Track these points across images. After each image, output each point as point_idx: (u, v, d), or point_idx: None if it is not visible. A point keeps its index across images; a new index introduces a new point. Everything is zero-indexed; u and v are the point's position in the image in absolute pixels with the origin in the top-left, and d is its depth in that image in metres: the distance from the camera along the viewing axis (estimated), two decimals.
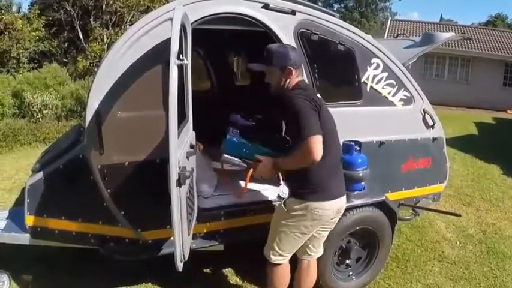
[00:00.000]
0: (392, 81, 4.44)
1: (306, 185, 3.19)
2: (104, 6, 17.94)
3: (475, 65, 25.18)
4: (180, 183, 2.74)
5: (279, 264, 3.44)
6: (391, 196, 4.54)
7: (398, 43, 5.59)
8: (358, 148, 4.05)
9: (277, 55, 3.20)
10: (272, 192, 4.19)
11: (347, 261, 4.30)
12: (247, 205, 4.02)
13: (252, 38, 4.23)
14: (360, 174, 4.01)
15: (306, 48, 3.98)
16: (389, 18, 31.61)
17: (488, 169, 9.79)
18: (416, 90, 4.62)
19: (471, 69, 25.35)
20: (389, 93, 4.44)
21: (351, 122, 4.17)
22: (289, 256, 3.48)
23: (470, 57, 25.06)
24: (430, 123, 4.70)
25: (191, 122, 3.59)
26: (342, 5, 60.87)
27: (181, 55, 2.80)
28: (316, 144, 2.88)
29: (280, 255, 3.41)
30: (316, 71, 4.04)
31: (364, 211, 4.09)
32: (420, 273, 4.91)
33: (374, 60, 4.31)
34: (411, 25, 28.04)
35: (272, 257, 3.41)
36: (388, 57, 4.40)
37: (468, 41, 25.13)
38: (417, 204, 4.87)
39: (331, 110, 4.01)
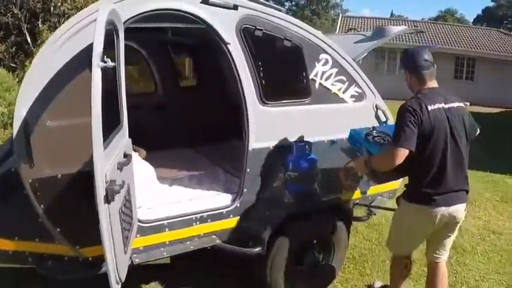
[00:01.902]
0: (342, 77, 4.25)
1: None
2: (52, 8, 17.32)
3: None
4: (108, 200, 2.46)
5: None
6: (346, 196, 4.36)
7: (349, 38, 5.42)
8: (307, 148, 3.86)
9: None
10: (220, 199, 3.94)
11: (302, 267, 4.11)
12: (194, 214, 3.75)
13: (198, 36, 3.98)
14: (310, 176, 3.84)
15: (249, 45, 3.74)
16: (340, 15, 31.81)
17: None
18: (368, 86, 4.44)
19: None
20: (339, 90, 4.25)
21: (299, 121, 4.02)
22: None
23: None
24: (383, 119, 4.53)
25: (126, 128, 3.30)
26: (293, 3, 61.27)
27: (105, 57, 2.51)
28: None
29: None
30: (261, 69, 3.81)
31: (316, 214, 3.93)
32: (379, 274, 4.78)
33: (323, 56, 4.11)
34: (362, 21, 28.31)
35: None
36: (338, 53, 4.21)
37: (419, 36, 25.51)
38: (373, 202, 4.70)
39: (278, 109, 3.87)
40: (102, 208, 2.46)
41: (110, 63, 2.53)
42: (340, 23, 27.89)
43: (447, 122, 3.30)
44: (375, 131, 3.91)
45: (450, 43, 26.15)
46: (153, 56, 5.99)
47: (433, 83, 3.46)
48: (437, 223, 3.40)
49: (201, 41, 5.51)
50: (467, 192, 3.49)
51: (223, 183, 4.32)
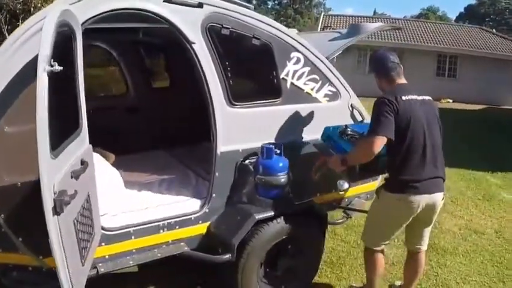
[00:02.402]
0: (315, 76, 4.13)
1: None
2: (32, 9, 17.11)
3: (408, 57, 25.55)
4: (57, 211, 2.30)
5: None
6: (320, 199, 4.25)
7: (323, 36, 5.31)
8: (278, 151, 3.73)
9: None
10: (188, 205, 3.79)
11: (276, 273, 3.98)
12: (161, 221, 3.60)
13: (170, 36, 3.82)
14: (282, 180, 3.69)
15: (216, 45, 3.60)
16: (322, 14, 31.79)
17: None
18: (343, 85, 4.33)
19: (405, 61, 25.51)
20: (312, 89, 4.13)
21: (270, 122, 3.91)
22: None
23: (403, 49, 25.52)
24: (359, 118, 4.42)
25: (86, 134, 3.12)
26: (277, 2, 61.40)
27: (52, 60, 2.35)
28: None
29: None
30: (229, 69, 3.67)
31: (288, 219, 3.78)
32: (357, 277, 4.67)
33: (294, 54, 3.98)
34: (344, 19, 28.30)
35: None
36: (310, 51, 4.08)
37: (401, 33, 25.64)
38: (350, 204, 4.59)
39: (247, 111, 3.75)
40: (51, 220, 2.30)
41: (57, 67, 2.36)
42: (322, 21, 27.84)
43: (422, 111, 3.44)
44: (349, 129, 3.91)
45: (432, 41, 26.25)
46: (124, 57, 5.80)
47: (402, 80, 3.65)
48: (418, 211, 3.48)
49: (173, 40, 5.35)
50: (443, 180, 3.59)
51: (193, 188, 4.18)
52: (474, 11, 68.07)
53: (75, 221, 2.65)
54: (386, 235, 3.73)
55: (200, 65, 3.53)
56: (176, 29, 3.45)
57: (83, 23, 3.12)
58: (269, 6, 61.85)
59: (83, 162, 2.82)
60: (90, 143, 4.37)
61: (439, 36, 26.96)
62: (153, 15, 3.37)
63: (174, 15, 3.42)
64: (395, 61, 3.64)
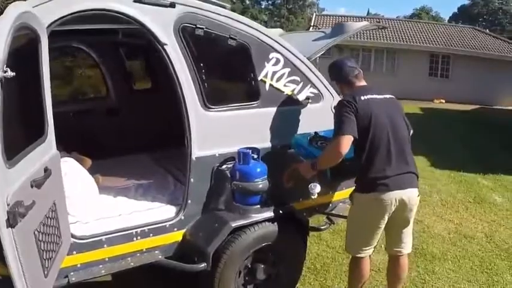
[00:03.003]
0: (296, 77, 4.00)
1: None
2: None
3: (400, 57, 25.67)
4: (10, 224, 2.16)
5: None
6: (302, 204, 4.12)
7: (307, 36, 5.18)
8: (255, 156, 3.61)
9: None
10: (163, 211, 3.66)
11: (255, 281, 3.85)
12: (134, 228, 3.47)
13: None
14: (260, 186, 3.57)
15: (189, 46, 3.47)
16: (315, 14, 31.72)
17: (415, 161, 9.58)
18: (325, 86, 4.21)
19: (397, 61, 25.87)
20: (293, 91, 4.01)
21: (247, 126, 3.79)
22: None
23: (395, 49, 25.51)
24: None
25: (52, 140, 2.97)
26: (270, 2, 61.46)
27: (4, 66, 2.21)
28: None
29: None
30: (204, 71, 3.54)
31: (267, 226, 3.65)
32: (341, 285, 4.54)
33: (273, 55, 3.85)
34: (337, 19, 28.17)
35: None
36: (290, 51, 3.96)
37: (394, 33, 25.56)
38: (334, 210, 4.47)
39: (223, 114, 3.66)
40: (5, 233, 2.17)
41: (10, 73, 2.22)
42: (314, 21, 27.76)
43: (383, 108, 3.46)
44: (318, 136, 3.88)
45: (425, 41, 26.17)
46: (104, 58, 5.68)
47: (361, 83, 3.69)
48: (393, 209, 3.41)
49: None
50: (417, 177, 3.57)
51: (170, 194, 4.05)
52: (467, 11, 68.18)
53: (36, 232, 2.51)
54: (367, 240, 3.62)
55: (173, 67, 3.40)
56: (147, 30, 3.32)
57: (49, 25, 2.99)
58: (262, 6, 61.80)
59: (46, 170, 2.68)
60: (67, 147, 4.29)
61: (432, 36, 26.88)
62: (122, 16, 3.24)
63: (145, 15, 3.29)
64: (352, 65, 3.71)
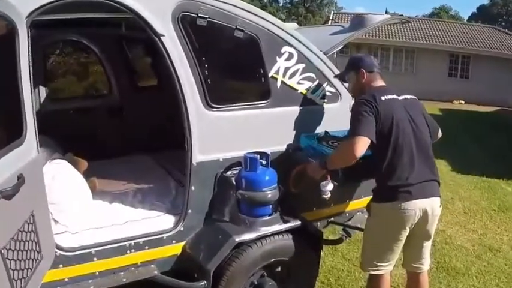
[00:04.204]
0: (311, 74, 3.63)
1: None
2: None
3: (420, 56, 25.18)
4: None
5: None
6: (315, 215, 3.77)
7: (324, 30, 4.79)
8: (264, 161, 3.25)
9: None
10: (161, 221, 3.31)
11: None
12: (127, 240, 3.14)
13: None
14: (269, 196, 3.21)
15: (190, 37, 3.11)
16: (332, 11, 31.31)
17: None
18: (343, 85, 3.82)
19: (416, 61, 25.40)
20: (307, 90, 3.64)
21: (256, 128, 3.42)
22: None
23: (415, 48, 25.04)
24: None
25: (32, 144, 2.61)
26: (288, 0, 61.27)
27: None
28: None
29: None
30: (206, 65, 3.19)
31: (276, 240, 3.29)
32: None
33: (285, 49, 3.48)
34: None
35: None
36: (305, 45, 3.59)
37: (413, 32, 25.08)
38: (351, 220, 4.09)
39: (229, 114, 3.32)
40: None
41: None
42: (332, 19, 27.31)
43: (405, 110, 3.15)
44: (328, 135, 3.61)
45: (444, 40, 25.65)
46: (107, 53, 5.34)
47: (381, 83, 3.36)
48: (416, 220, 3.09)
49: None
50: (439, 184, 3.24)
51: (171, 201, 3.69)
52: (487, 11, 67.25)
53: (5, 250, 2.15)
54: (386, 255, 3.23)
55: (171, 61, 3.05)
56: (141, 19, 2.99)
57: (29, 15, 2.65)
58: (280, 4, 61.56)
59: (19, 178, 2.32)
60: (64, 147, 3.97)
61: (452, 35, 26.36)
62: (113, 4, 2.88)
63: (139, 2, 2.94)
64: (374, 62, 3.44)
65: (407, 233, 3.14)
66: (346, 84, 3.73)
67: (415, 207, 3.03)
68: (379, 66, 3.46)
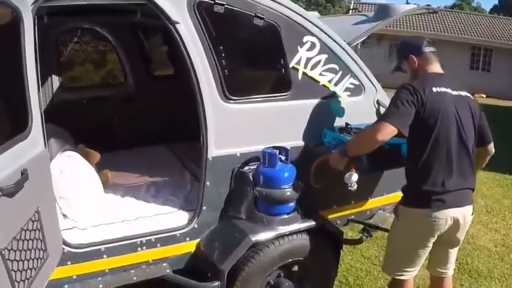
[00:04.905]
0: (334, 65, 3.45)
1: None
2: None
3: (441, 48, 24.63)
4: None
5: None
6: (336, 212, 3.63)
7: (347, 19, 4.60)
8: (284, 157, 3.08)
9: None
10: (174, 218, 3.17)
11: None
12: (139, 237, 3.01)
13: None
14: (287, 193, 3.05)
15: (206, 25, 2.95)
16: (353, 1, 30.89)
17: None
18: (368, 77, 3.65)
19: (438, 53, 24.88)
20: (330, 82, 3.46)
21: (275, 121, 3.26)
22: None
23: (436, 40, 24.61)
24: None
25: (38, 136, 2.47)
26: None
27: None
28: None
29: None
30: (224, 55, 3.03)
31: (294, 240, 3.14)
32: None
33: (307, 38, 3.30)
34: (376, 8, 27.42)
35: None
36: (328, 35, 3.40)
37: (435, 23, 24.68)
38: (372, 218, 3.92)
39: (247, 107, 3.16)
40: None
41: None
42: (353, 9, 26.97)
43: (454, 108, 2.83)
44: (349, 128, 3.42)
45: (466, 32, 25.24)
46: (121, 41, 5.19)
47: (438, 68, 3.02)
48: (446, 229, 2.88)
49: None
50: (473, 191, 3.00)
51: (186, 196, 3.55)
52: (509, 4, 66.00)
53: (6, 250, 2.02)
54: (412, 260, 3.04)
55: (186, 49, 2.90)
56: (155, 6, 2.84)
57: (35, 1, 2.51)
58: None
59: (23, 174, 2.18)
60: (76, 137, 3.85)
61: (474, 27, 25.96)
62: None
63: None
64: (423, 42, 3.09)
65: (435, 239, 2.96)
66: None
67: (447, 216, 2.82)
68: (429, 43, 3.11)
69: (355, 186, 3.03)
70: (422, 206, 2.83)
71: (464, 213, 2.89)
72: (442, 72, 3.03)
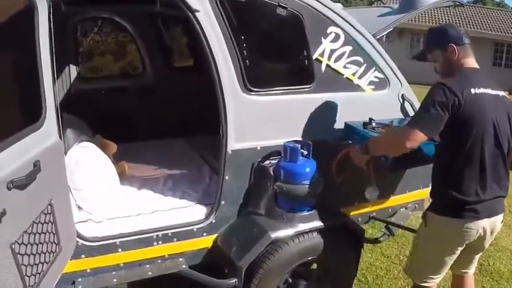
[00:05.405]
0: (358, 58, 3.33)
1: None
2: None
3: None
4: None
5: None
6: (357, 209, 3.53)
7: (371, 11, 4.47)
8: (306, 152, 2.98)
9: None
10: (192, 212, 3.10)
11: None
12: (155, 231, 2.94)
13: None
14: (309, 189, 2.95)
15: (227, 14, 2.85)
16: None
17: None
18: (393, 71, 3.53)
19: None
20: (354, 74, 3.34)
21: (298, 114, 3.16)
22: None
23: None
24: (411, 112, 3.59)
25: (52, 127, 2.39)
26: None
27: None
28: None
29: None
30: (245, 45, 2.93)
31: (314, 237, 3.05)
32: None
33: (332, 29, 3.18)
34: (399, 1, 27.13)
35: None
36: (353, 27, 3.29)
37: (457, 18, 24.33)
38: (394, 216, 3.81)
39: (268, 99, 3.06)
40: None
41: None
42: (377, 0, 26.75)
43: (493, 110, 2.60)
44: (373, 122, 3.24)
45: (489, 28, 24.82)
46: (140, 31, 5.12)
47: (474, 62, 2.74)
48: (475, 238, 2.71)
49: None
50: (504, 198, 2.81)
51: (204, 189, 3.47)
52: None
53: (16, 244, 1.95)
54: (439, 268, 2.91)
55: (206, 39, 2.80)
56: None
57: None
58: None
59: (35, 165, 2.11)
60: (93, 128, 3.80)
61: (497, 23, 25.51)
62: None
63: None
64: (462, 31, 2.80)
65: (463, 248, 2.82)
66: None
67: (479, 226, 2.67)
68: (467, 34, 2.81)
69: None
70: (454, 215, 2.66)
71: (495, 222, 2.75)
72: (478, 67, 2.78)
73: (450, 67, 2.73)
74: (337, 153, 3.14)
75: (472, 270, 3.08)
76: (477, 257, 3.02)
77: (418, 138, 2.52)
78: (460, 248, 2.78)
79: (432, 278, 2.92)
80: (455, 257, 2.84)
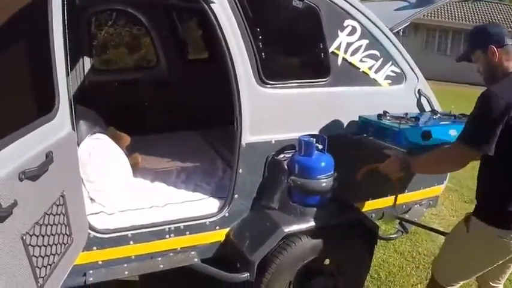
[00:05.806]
0: (375, 52, 3.29)
1: None
2: None
3: None
4: None
5: None
6: (371, 205, 3.51)
7: (387, 4, 4.41)
8: (321, 146, 2.94)
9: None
10: (204, 205, 3.08)
11: None
12: (167, 224, 2.92)
13: None
14: (323, 184, 2.90)
15: (243, 6, 2.83)
16: None
17: None
18: (410, 65, 3.48)
19: None
20: (370, 68, 3.30)
21: (313, 108, 3.12)
22: None
23: None
24: (427, 108, 3.56)
25: (65, 118, 2.36)
26: None
27: None
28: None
29: None
30: (261, 37, 2.89)
31: (328, 233, 3.00)
32: None
33: (348, 22, 3.15)
34: None
35: None
36: (370, 20, 3.25)
37: (474, 14, 24.05)
38: (408, 213, 3.76)
39: (284, 92, 3.02)
40: None
41: None
42: None
43: None
44: (388, 115, 3.19)
45: (506, 24, 24.39)
46: (155, 23, 5.10)
47: None
48: None
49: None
50: None
51: (217, 183, 3.46)
52: None
53: (27, 235, 1.93)
54: (470, 275, 2.80)
55: (221, 31, 2.77)
56: None
57: None
58: None
59: (48, 156, 2.09)
60: (107, 119, 3.79)
61: None
62: None
63: None
64: (505, 31, 2.57)
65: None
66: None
67: None
68: (510, 35, 2.58)
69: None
70: (503, 227, 2.47)
71: None
72: None
73: (493, 70, 2.53)
74: (375, 161, 2.98)
75: (502, 283, 2.93)
76: (510, 270, 2.83)
77: (468, 157, 2.40)
78: (501, 261, 2.62)
79: (459, 283, 2.82)
80: (492, 268, 2.69)
